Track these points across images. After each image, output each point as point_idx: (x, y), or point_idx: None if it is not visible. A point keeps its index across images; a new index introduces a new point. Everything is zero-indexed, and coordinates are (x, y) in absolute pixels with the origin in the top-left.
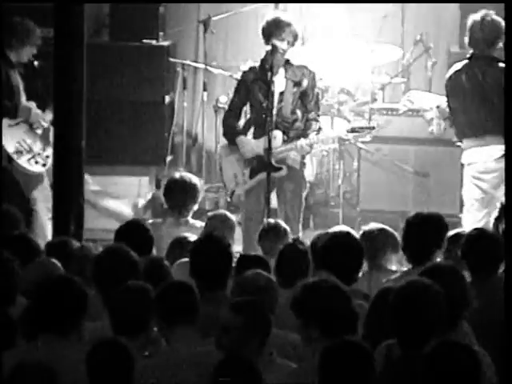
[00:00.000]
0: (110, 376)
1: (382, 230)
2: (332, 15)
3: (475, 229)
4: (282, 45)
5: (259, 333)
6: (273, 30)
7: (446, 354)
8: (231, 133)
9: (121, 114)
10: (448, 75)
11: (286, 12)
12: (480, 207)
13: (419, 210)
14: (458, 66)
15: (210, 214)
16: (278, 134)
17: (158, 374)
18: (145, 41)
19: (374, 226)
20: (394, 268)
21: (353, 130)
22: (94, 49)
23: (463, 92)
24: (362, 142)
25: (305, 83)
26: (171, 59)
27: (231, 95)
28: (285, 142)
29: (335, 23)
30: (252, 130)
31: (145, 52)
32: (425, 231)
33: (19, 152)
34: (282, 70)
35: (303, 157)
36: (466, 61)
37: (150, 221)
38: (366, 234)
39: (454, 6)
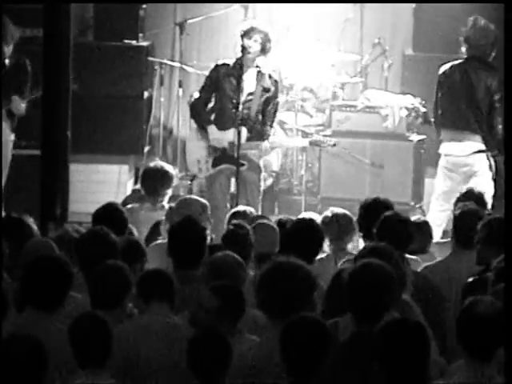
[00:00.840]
0: (90, 345)
1: (346, 214)
2: (297, 19)
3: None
4: (251, 44)
5: (233, 314)
6: (246, 32)
7: (396, 329)
8: (200, 118)
9: (103, 107)
10: (442, 70)
11: (255, 17)
12: (446, 197)
13: (369, 198)
14: (454, 63)
15: (181, 198)
16: (243, 131)
17: (131, 340)
18: (126, 41)
19: (340, 210)
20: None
21: (315, 143)
22: (80, 48)
23: (454, 87)
24: (324, 136)
25: (272, 91)
26: (150, 58)
27: (202, 84)
28: (248, 139)
29: (300, 27)
30: (213, 118)
31: (126, 51)
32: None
33: None
34: (253, 74)
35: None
36: (461, 60)
37: (129, 206)
38: (334, 217)
39: (409, 12)
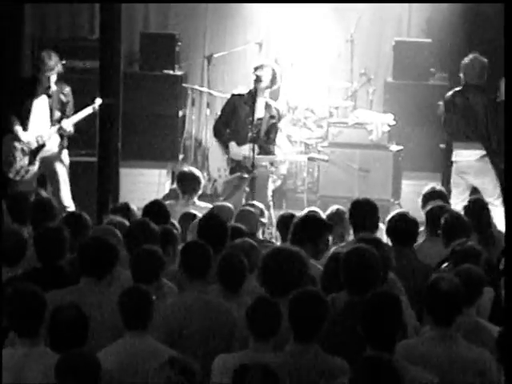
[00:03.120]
0: (135, 310)
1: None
2: (300, 55)
3: (398, 213)
4: (263, 74)
5: None
6: (259, 66)
7: (376, 300)
8: (221, 135)
9: (146, 123)
10: (447, 95)
11: (267, 53)
12: (461, 194)
13: (361, 197)
14: (456, 89)
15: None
16: (255, 148)
17: (172, 313)
18: (165, 71)
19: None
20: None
21: (312, 159)
22: (128, 76)
23: (457, 108)
24: (322, 147)
25: (276, 118)
26: (184, 84)
27: (222, 108)
28: (258, 153)
29: (302, 61)
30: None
31: (165, 79)
32: (365, 211)
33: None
34: (262, 103)
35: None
36: (461, 87)
37: (167, 202)
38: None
39: (390, 47)
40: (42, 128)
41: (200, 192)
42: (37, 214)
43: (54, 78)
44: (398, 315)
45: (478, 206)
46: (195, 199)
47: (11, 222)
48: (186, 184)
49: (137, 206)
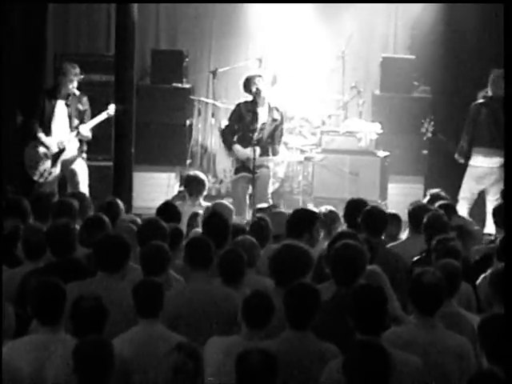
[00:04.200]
0: (148, 300)
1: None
2: (298, 70)
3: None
4: (261, 85)
5: None
6: (250, 81)
7: (363, 290)
8: (227, 142)
9: (157, 131)
10: (474, 104)
11: (265, 68)
12: (469, 198)
13: (351, 197)
14: (480, 101)
15: (213, 203)
16: (257, 149)
17: (178, 301)
18: (173, 84)
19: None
20: None
21: (308, 159)
22: (141, 89)
23: (481, 117)
24: (316, 153)
25: (278, 120)
26: (191, 96)
27: (229, 116)
28: (261, 155)
29: (299, 75)
30: (237, 140)
31: (173, 91)
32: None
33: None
34: (266, 108)
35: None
36: (484, 99)
37: (176, 203)
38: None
39: (377, 64)
40: (63, 134)
41: (205, 193)
42: (59, 212)
43: (75, 84)
44: (383, 304)
45: (450, 208)
46: (201, 200)
47: (33, 220)
48: (193, 186)
49: (148, 205)
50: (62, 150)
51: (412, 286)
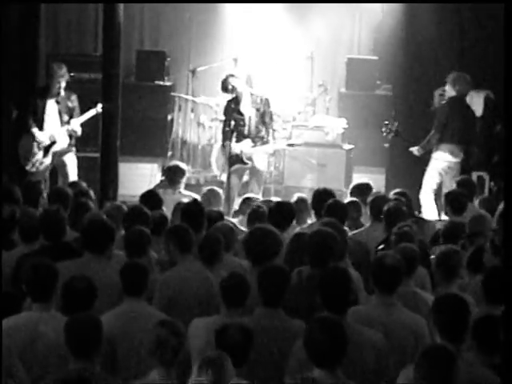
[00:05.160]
0: (132, 280)
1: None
2: (271, 70)
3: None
4: (237, 84)
5: None
6: (226, 83)
7: (332, 272)
8: (225, 136)
9: (141, 125)
10: (442, 104)
11: (240, 65)
12: (434, 188)
13: (318, 187)
14: (448, 100)
15: (206, 188)
16: (248, 142)
17: (172, 284)
18: (156, 82)
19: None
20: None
21: (290, 145)
22: (126, 86)
23: (450, 116)
24: (288, 145)
25: (262, 108)
26: (172, 93)
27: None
28: (252, 146)
29: (272, 75)
30: (235, 134)
31: (156, 88)
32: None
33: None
34: (248, 102)
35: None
36: (451, 98)
37: (159, 191)
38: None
39: (343, 63)
40: (54, 128)
41: (184, 182)
42: (54, 200)
43: (63, 84)
44: (348, 285)
45: (402, 196)
46: (181, 189)
47: (23, 205)
48: (173, 176)
49: (132, 193)
50: (53, 143)
51: (373, 267)
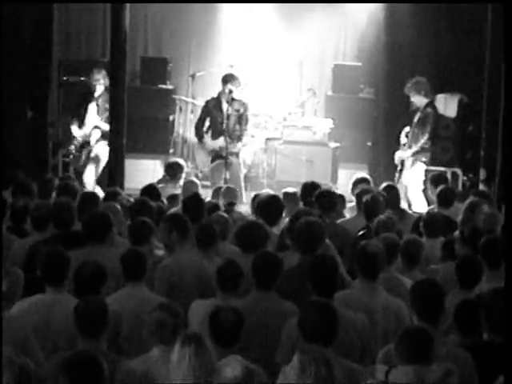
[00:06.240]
0: (131, 265)
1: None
2: (264, 75)
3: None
4: (234, 89)
5: None
6: (229, 79)
7: (318, 259)
8: (199, 134)
9: (145, 125)
10: (428, 111)
11: (236, 70)
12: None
13: (307, 180)
14: (429, 105)
15: (185, 180)
16: (227, 139)
17: (172, 270)
18: (159, 85)
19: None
20: None
21: (268, 139)
22: (131, 89)
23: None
24: (278, 144)
25: (241, 111)
26: (173, 96)
27: (200, 112)
28: (230, 143)
29: (264, 79)
30: (210, 133)
31: (159, 91)
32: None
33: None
34: (229, 102)
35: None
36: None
37: (160, 185)
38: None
39: (330, 69)
40: (90, 127)
41: (183, 177)
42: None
43: (100, 88)
44: (335, 271)
45: (390, 189)
46: (181, 183)
47: (38, 198)
48: (174, 171)
49: (138, 187)
50: (86, 142)
51: (358, 254)
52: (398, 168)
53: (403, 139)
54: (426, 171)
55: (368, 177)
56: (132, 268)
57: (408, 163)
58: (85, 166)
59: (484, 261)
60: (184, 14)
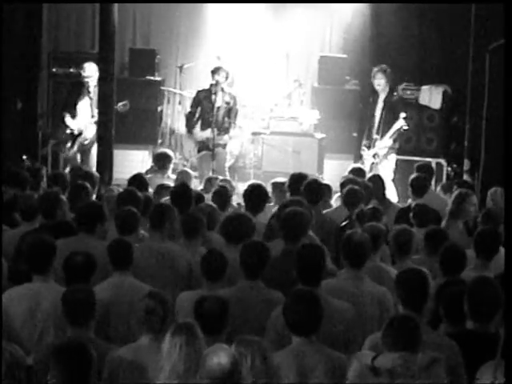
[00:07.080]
0: (119, 254)
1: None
2: (251, 69)
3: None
4: (220, 79)
5: None
6: (216, 71)
7: (305, 248)
8: (189, 125)
9: (134, 116)
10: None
11: (223, 62)
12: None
13: (294, 172)
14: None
15: (178, 170)
16: (215, 131)
17: (145, 255)
18: (147, 77)
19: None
20: None
21: (254, 134)
22: (120, 81)
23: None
24: (265, 134)
25: (231, 104)
26: (162, 87)
27: (191, 103)
28: (218, 134)
29: (252, 73)
30: (199, 124)
31: (147, 83)
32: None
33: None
34: (220, 94)
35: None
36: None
37: (148, 175)
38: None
39: (316, 61)
40: (84, 121)
41: (172, 167)
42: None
43: (93, 82)
44: (322, 260)
45: (376, 180)
46: (169, 173)
47: (29, 189)
48: (162, 162)
49: (126, 178)
50: (79, 134)
51: (344, 243)
52: (375, 161)
53: (364, 149)
54: (411, 162)
55: (363, 167)
56: (119, 257)
57: (382, 153)
58: (76, 157)
59: (476, 249)
60: (172, 6)
